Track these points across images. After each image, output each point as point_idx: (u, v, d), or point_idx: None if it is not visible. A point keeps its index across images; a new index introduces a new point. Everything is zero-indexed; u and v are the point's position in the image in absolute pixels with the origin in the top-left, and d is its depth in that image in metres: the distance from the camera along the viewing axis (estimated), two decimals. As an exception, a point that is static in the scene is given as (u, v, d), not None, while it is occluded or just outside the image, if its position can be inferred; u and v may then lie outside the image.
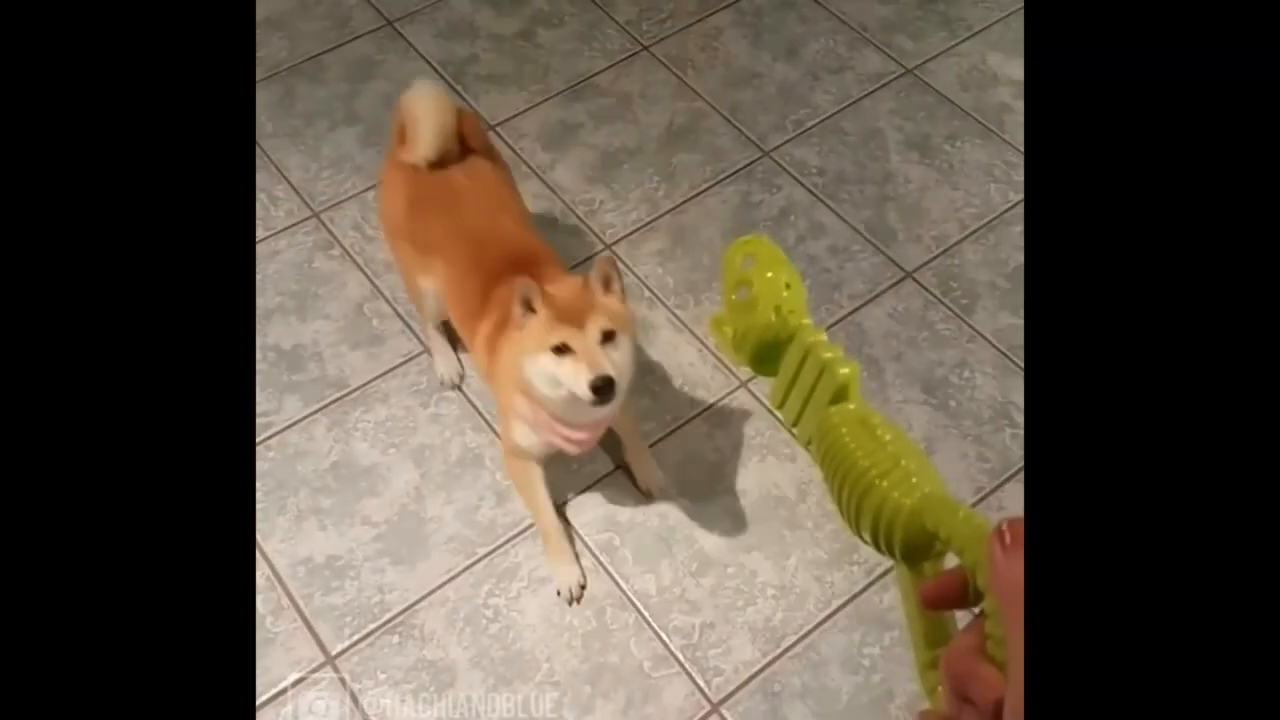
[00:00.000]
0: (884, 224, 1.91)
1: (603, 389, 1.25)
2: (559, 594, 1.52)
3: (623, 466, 1.62)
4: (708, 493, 1.61)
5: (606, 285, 1.32)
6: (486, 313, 1.45)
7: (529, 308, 1.30)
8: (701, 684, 1.43)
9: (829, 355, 0.48)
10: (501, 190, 1.58)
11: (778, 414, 0.51)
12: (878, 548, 0.44)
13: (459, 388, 1.70)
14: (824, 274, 1.85)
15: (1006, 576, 0.38)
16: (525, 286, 1.29)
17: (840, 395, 0.47)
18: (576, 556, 1.54)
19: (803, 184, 1.96)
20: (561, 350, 1.27)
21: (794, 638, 1.48)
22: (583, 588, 1.52)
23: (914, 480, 0.43)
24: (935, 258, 1.87)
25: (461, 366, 1.71)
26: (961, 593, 0.41)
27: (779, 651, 1.46)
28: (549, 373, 1.29)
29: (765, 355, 0.51)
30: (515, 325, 1.32)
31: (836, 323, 1.79)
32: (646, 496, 1.60)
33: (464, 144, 1.55)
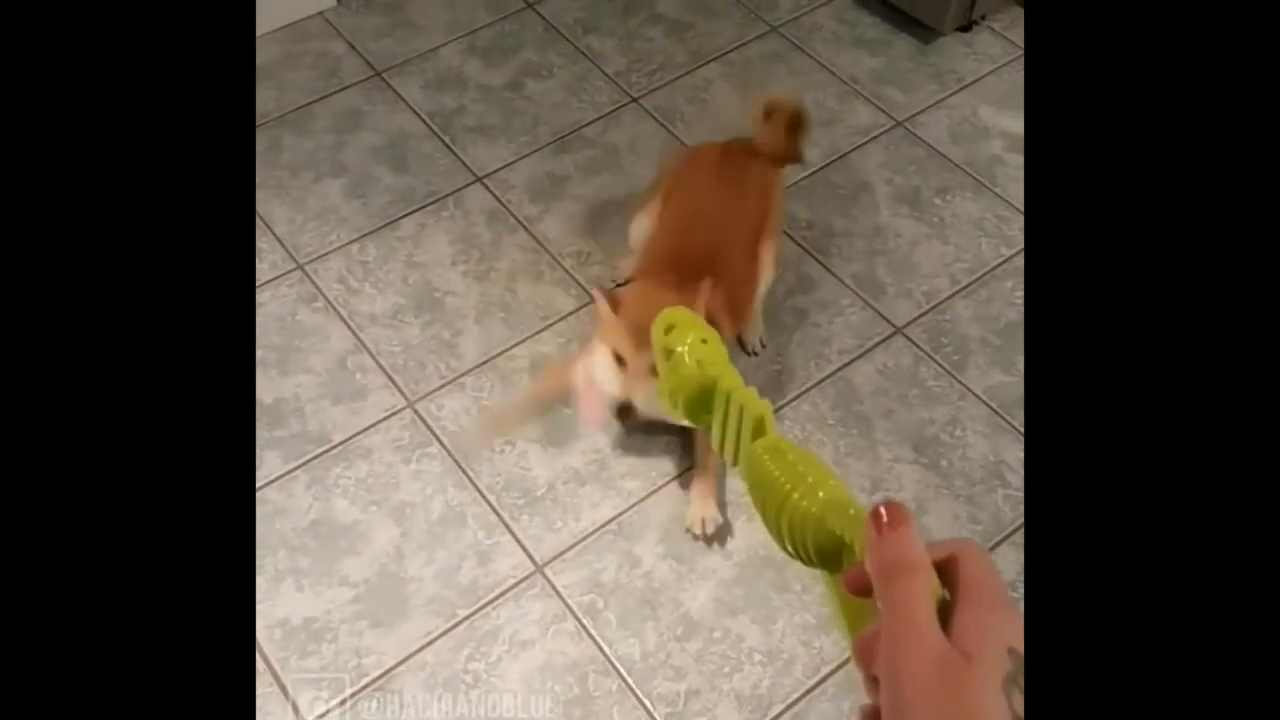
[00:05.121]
0: (874, 278, 1.90)
1: (622, 409, 1.54)
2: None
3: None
4: (694, 553, 1.57)
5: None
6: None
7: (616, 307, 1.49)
8: (686, 755, 1.39)
9: (743, 397, 0.52)
10: (752, 203, 1.71)
11: (721, 456, 0.55)
12: (801, 558, 0.48)
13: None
14: (813, 329, 1.83)
15: (878, 554, 0.41)
16: (607, 293, 1.49)
17: (759, 430, 0.51)
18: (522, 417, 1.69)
19: (792, 237, 1.95)
20: (619, 359, 1.48)
21: (781, 706, 1.44)
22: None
23: (819, 492, 0.47)
24: (926, 313, 1.85)
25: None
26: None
27: (766, 721, 1.42)
28: (600, 368, 1.53)
29: (697, 406, 0.56)
30: (609, 312, 1.49)
31: (825, 378, 1.77)
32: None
33: (782, 152, 1.77)
